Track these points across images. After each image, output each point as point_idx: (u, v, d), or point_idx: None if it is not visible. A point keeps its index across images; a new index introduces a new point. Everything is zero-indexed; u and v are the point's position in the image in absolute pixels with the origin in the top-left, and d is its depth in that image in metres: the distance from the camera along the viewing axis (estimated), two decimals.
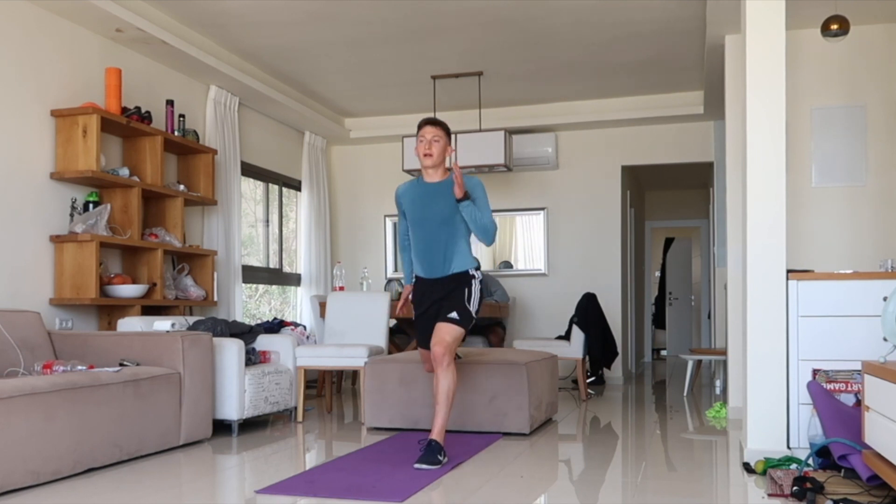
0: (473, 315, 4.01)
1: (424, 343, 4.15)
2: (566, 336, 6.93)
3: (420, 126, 4.04)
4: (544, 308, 8.07)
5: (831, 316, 3.79)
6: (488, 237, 4.01)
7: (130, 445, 3.89)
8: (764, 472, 3.57)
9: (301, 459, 4.09)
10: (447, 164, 4.09)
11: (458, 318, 3.94)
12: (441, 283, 4.04)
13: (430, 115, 7.81)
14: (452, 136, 6.98)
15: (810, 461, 3.52)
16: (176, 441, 4.25)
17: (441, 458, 3.74)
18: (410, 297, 4.22)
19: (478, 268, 4.11)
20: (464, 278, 4.02)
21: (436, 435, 3.81)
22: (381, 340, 5.79)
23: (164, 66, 5.81)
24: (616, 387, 7.71)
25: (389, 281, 7.67)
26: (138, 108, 5.19)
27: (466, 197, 3.91)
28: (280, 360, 5.36)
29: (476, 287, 4.05)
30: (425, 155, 3.99)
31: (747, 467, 3.69)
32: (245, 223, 7.10)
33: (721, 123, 7.48)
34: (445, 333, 3.90)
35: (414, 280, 4.20)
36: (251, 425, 5.16)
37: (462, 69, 6.63)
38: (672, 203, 12.12)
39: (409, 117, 8.03)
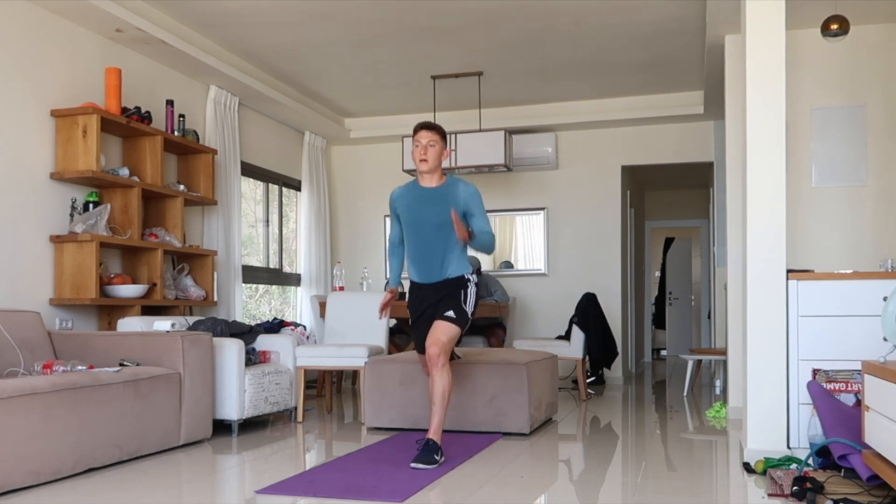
0: (469, 316, 4.02)
1: (422, 347, 4.15)
2: (566, 336, 6.92)
3: (415, 130, 4.03)
4: (544, 308, 8.07)
5: (831, 316, 3.79)
6: (489, 250, 4.04)
7: (130, 445, 3.89)
8: (764, 472, 3.57)
9: (301, 459, 4.09)
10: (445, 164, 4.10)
11: (454, 316, 3.95)
12: (436, 287, 4.05)
13: (431, 115, 7.81)
14: (451, 137, 6.99)
15: (810, 461, 3.52)
16: (176, 441, 4.25)
17: (438, 458, 3.74)
18: (407, 303, 4.23)
19: (475, 271, 4.12)
20: (459, 282, 4.04)
21: (432, 434, 3.81)
22: (381, 340, 5.79)
23: (164, 66, 5.81)
24: (616, 387, 7.70)
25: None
26: (138, 108, 5.19)
27: (471, 236, 3.91)
28: (280, 360, 5.36)
29: (472, 290, 4.05)
30: (421, 160, 4.00)
31: (747, 467, 3.69)
32: (245, 223, 7.10)
33: (721, 123, 7.48)
34: (441, 333, 3.91)
35: (408, 285, 4.20)
36: (251, 425, 5.16)
37: (462, 69, 6.62)
38: (672, 203, 12.12)
39: (409, 117, 8.03)
